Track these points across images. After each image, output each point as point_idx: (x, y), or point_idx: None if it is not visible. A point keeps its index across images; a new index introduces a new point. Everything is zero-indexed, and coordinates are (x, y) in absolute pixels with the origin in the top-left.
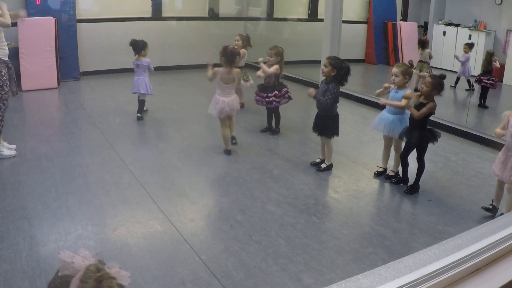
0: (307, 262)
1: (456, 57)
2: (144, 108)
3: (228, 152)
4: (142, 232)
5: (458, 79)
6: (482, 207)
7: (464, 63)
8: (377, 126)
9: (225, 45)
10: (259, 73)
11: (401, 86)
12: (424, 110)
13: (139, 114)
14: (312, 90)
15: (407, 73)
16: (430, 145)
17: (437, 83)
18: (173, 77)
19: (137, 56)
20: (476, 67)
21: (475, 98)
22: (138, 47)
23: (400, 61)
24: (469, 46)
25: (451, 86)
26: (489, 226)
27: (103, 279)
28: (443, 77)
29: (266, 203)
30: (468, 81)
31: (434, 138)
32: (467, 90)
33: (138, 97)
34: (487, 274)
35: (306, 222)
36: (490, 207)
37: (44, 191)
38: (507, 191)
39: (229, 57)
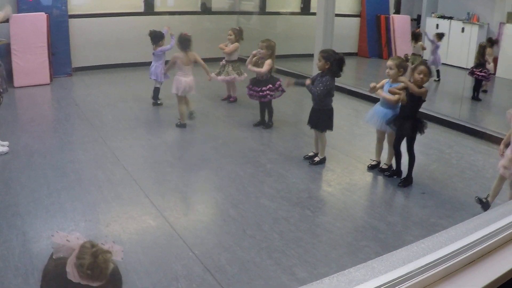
0: (301, 256)
1: (430, 40)
2: (159, 100)
3: (183, 126)
4: (135, 227)
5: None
6: (476, 197)
7: (434, 52)
8: (370, 120)
9: (180, 32)
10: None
11: (395, 80)
12: (423, 90)
13: (153, 101)
14: (289, 80)
15: (401, 66)
16: (423, 138)
17: (430, 70)
18: None
19: (154, 46)
20: (469, 59)
21: (468, 91)
22: (156, 38)
23: (393, 54)
24: (439, 36)
25: (434, 80)
26: (483, 217)
27: (99, 254)
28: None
29: (260, 197)
30: (438, 71)
31: (422, 129)
32: (435, 80)
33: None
34: (481, 266)
35: (300, 216)
36: (484, 200)
37: (36, 188)
38: (509, 186)
39: (183, 42)
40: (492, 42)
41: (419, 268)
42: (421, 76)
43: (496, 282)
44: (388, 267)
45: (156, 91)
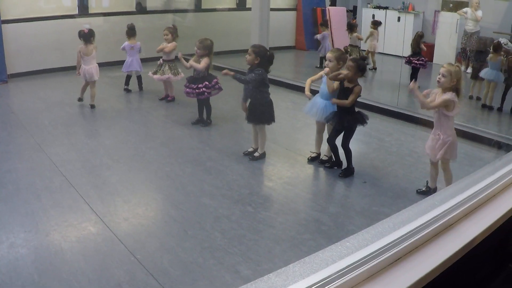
0: (244, 253)
1: (316, 37)
2: (129, 88)
3: (80, 100)
4: (76, 235)
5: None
6: (417, 192)
7: (322, 41)
8: (310, 111)
9: (80, 29)
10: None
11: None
12: (353, 96)
13: (127, 88)
14: (227, 71)
15: (341, 59)
16: (363, 128)
17: (359, 66)
18: (102, 74)
19: (130, 40)
20: (404, 48)
21: (406, 79)
22: (133, 31)
23: (331, 46)
24: (325, 25)
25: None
26: (411, 210)
27: None
28: (364, 58)
29: (200, 196)
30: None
31: (363, 120)
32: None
33: (127, 75)
34: (408, 263)
35: (241, 213)
36: (425, 189)
37: None
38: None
39: (83, 37)
40: (377, 23)
41: (342, 269)
42: (349, 74)
43: (423, 280)
44: (310, 270)
45: (139, 79)
